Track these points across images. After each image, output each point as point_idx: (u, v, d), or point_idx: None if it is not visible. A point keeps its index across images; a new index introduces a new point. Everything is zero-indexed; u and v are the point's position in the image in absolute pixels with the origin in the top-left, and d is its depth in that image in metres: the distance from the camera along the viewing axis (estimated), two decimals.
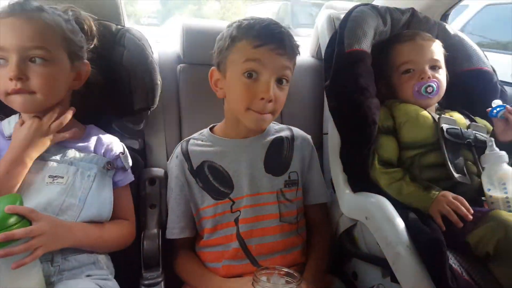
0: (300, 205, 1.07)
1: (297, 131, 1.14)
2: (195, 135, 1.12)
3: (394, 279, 0.90)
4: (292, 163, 1.07)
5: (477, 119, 1.17)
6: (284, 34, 0.98)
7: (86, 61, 0.96)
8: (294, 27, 5.92)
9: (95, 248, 0.90)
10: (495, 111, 1.08)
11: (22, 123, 0.90)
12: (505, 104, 1.07)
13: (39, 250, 0.76)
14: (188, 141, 1.09)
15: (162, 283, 0.98)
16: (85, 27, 1.00)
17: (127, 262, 1.00)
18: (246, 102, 0.97)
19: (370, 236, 0.97)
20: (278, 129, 1.12)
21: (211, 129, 1.11)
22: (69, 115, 0.93)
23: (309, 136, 1.15)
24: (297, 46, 1.01)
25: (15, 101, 0.86)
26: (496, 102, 1.09)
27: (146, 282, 0.97)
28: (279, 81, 0.98)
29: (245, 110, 0.98)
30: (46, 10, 0.89)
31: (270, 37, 0.96)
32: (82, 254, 0.88)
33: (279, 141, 1.08)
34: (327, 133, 1.21)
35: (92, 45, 1.00)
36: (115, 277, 0.92)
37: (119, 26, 1.13)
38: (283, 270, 0.88)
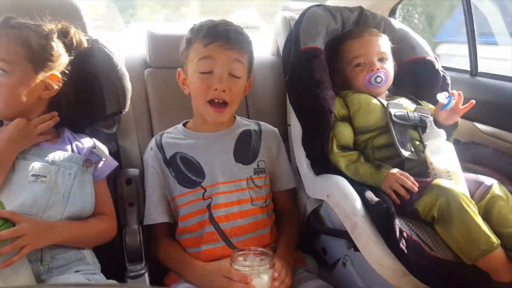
0: (268, 191, 1.16)
1: (264, 125, 1.24)
2: (169, 129, 1.20)
3: (356, 249, 0.99)
4: (260, 153, 1.16)
5: (423, 102, 1.26)
6: (230, 31, 1.08)
7: (57, 72, 1.00)
8: None
9: (79, 243, 0.96)
10: (447, 105, 1.12)
11: None
12: (451, 96, 1.13)
13: (25, 248, 0.82)
14: (162, 134, 1.17)
15: (146, 274, 1.04)
16: (74, 42, 1.06)
17: (111, 258, 1.06)
18: (204, 94, 1.06)
19: (334, 213, 1.06)
20: (247, 124, 1.22)
21: (184, 124, 1.19)
22: (54, 120, 1.00)
23: (276, 129, 1.25)
24: (245, 40, 1.10)
25: None
26: (443, 96, 1.12)
27: (130, 274, 1.02)
28: (231, 74, 1.07)
29: (205, 103, 1.07)
30: (15, 26, 0.94)
31: (217, 35, 1.06)
32: (69, 252, 0.93)
33: (247, 133, 1.17)
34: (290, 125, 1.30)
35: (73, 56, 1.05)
36: (101, 272, 0.98)
37: (86, 37, 1.19)
38: (258, 250, 0.96)
